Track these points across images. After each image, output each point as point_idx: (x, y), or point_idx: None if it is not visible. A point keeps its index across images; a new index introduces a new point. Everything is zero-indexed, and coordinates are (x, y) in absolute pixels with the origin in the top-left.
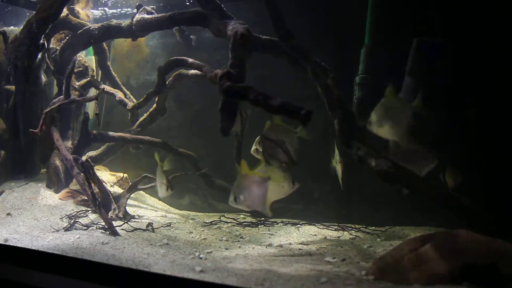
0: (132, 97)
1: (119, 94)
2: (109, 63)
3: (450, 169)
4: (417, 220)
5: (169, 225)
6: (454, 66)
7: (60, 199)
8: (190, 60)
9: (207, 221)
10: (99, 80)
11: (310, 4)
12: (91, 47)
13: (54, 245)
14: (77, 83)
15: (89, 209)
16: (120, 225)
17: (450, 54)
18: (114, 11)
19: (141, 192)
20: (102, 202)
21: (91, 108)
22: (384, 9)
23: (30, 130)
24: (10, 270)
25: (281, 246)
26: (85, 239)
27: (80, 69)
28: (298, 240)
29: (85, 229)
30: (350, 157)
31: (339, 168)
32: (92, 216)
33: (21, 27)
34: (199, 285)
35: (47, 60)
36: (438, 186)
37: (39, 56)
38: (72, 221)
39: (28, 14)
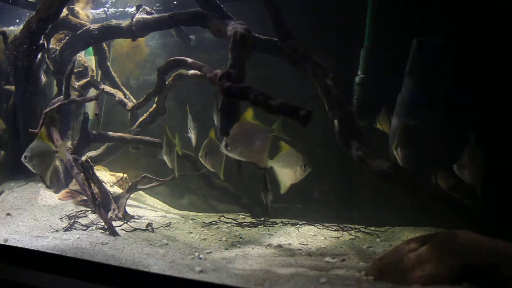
0: (131, 97)
1: (118, 94)
2: (109, 63)
3: (442, 171)
4: (417, 220)
5: (169, 225)
6: (454, 66)
7: (59, 199)
8: (190, 60)
9: (206, 222)
10: (99, 80)
11: (310, 4)
12: (91, 47)
13: (53, 245)
14: (77, 83)
15: (88, 209)
16: (120, 225)
17: (450, 54)
18: (126, 10)
19: (141, 192)
20: (101, 202)
21: (90, 108)
22: (384, 9)
23: (30, 130)
24: (10, 270)
25: (280, 246)
26: (85, 239)
27: (80, 69)
28: (298, 240)
29: (84, 229)
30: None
31: None
32: (92, 216)
33: (21, 27)
34: (199, 285)
35: (47, 60)
36: (438, 187)
37: (39, 56)
38: (71, 221)
39: (28, 14)
